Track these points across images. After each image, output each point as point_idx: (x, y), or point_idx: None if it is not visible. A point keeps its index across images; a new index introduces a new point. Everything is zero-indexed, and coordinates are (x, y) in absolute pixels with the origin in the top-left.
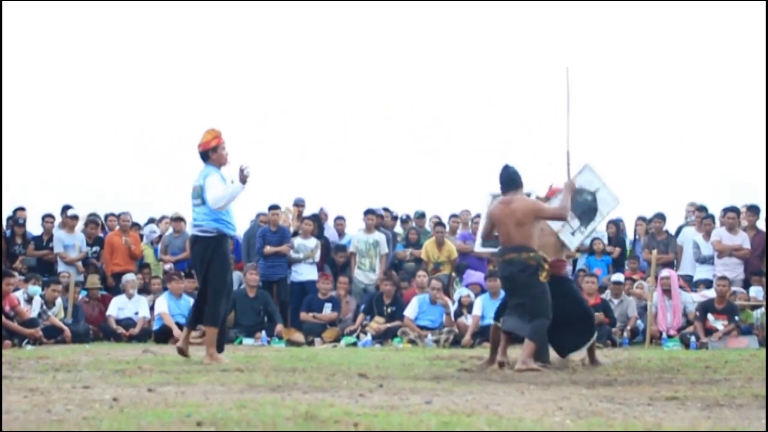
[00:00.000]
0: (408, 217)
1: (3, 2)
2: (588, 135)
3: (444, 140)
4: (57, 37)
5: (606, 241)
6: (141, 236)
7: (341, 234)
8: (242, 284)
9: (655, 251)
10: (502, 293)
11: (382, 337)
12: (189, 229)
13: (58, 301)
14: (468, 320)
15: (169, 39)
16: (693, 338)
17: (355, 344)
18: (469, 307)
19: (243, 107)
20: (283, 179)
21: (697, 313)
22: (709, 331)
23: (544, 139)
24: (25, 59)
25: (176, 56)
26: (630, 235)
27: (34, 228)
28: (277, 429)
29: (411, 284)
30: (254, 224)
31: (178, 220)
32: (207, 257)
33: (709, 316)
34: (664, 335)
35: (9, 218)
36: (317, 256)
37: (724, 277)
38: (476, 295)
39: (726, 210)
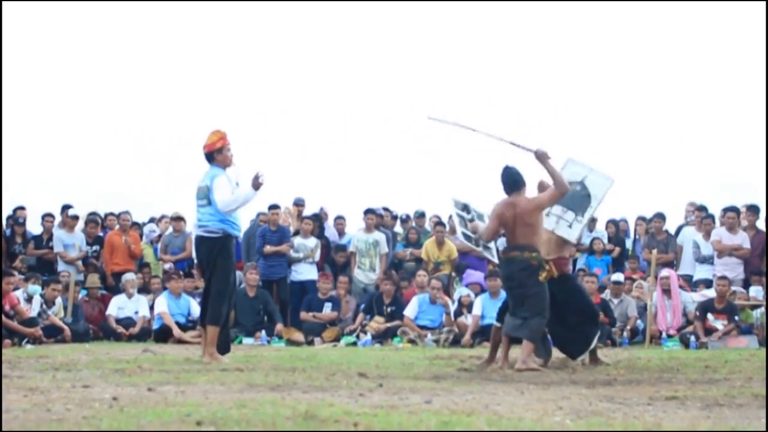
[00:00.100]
0: (408, 216)
1: (3, 2)
2: (588, 135)
3: (444, 140)
4: (57, 37)
5: (606, 241)
6: (141, 235)
7: (341, 234)
8: (242, 284)
9: (655, 251)
10: (503, 293)
11: (382, 337)
12: (189, 229)
13: (58, 300)
14: (468, 320)
15: (169, 39)
16: (693, 338)
17: (354, 344)
18: (469, 307)
19: (243, 107)
20: (283, 179)
21: (697, 313)
22: (709, 331)
23: (544, 139)
24: (25, 59)
25: (176, 56)
26: (632, 235)
27: (34, 227)
28: (277, 428)
29: (411, 284)
30: (254, 224)
31: (178, 219)
32: (212, 258)
33: (709, 316)
34: (664, 335)
35: (9, 217)
36: (317, 256)
37: (724, 277)
38: (476, 295)
39: (726, 210)
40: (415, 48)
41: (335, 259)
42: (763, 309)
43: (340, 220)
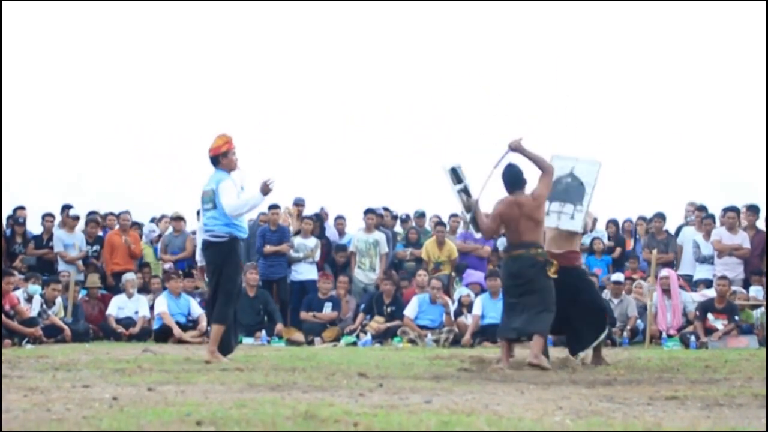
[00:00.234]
0: (408, 216)
1: (3, 2)
2: (588, 135)
3: (444, 140)
4: (57, 37)
5: (606, 241)
6: (141, 235)
7: (341, 233)
8: (242, 283)
9: (655, 251)
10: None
11: (382, 337)
12: (189, 229)
13: (58, 300)
14: (468, 320)
15: (169, 39)
16: (693, 338)
17: (354, 344)
18: (469, 307)
19: (243, 107)
20: (283, 179)
21: (697, 313)
22: (709, 331)
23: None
24: (25, 59)
25: (176, 56)
26: (636, 235)
27: (34, 227)
28: (277, 428)
29: (411, 284)
30: (254, 223)
31: (178, 219)
32: (219, 261)
33: (709, 316)
34: (664, 335)
35: (9, 217)
36: (317, 256)
37: (724, 277)
38: (476, 295)
39: (726, 210)
40: (415, 48)
41: (335, 259)
42: (763, 309)
43: (340, 220)
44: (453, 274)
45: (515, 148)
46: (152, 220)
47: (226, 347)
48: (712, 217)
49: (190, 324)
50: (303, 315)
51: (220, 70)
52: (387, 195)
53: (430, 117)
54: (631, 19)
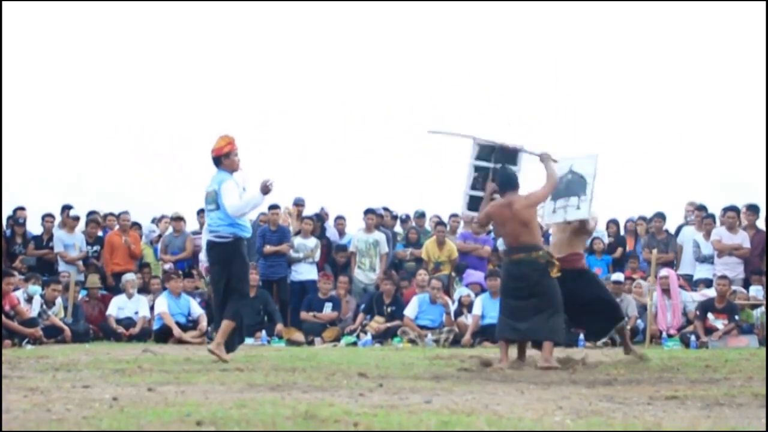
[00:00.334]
0: (408, 216)
1: (3, 2)
2: (588, 135)
3: (444, 140)
4: (57, 37)
5: (605, 240)
6: (140, 235)
7: (341, 234)
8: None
9: (655, 251)
10: None
11: (382, 337)
12: (189, 229)
13: (58, 300)
14: (468, 320)
15: (169, 39)
16: (693, 337)
17: (355, 344)
18: (469, 307)
19: (243, 107)
20: (283, 179)
21: (697, 313)
22: (709, 331)
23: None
24: (25, 59)
25: (176, 56)
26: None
27: (34, 228)
28: (277, 428)
29: (411, 284)
30: (254, 224)
31: (178, 219)
32: (227, 261)
33: (709, 316)
34: (664, 335)
35: (9, 218)
36: (317, 256)
37: (724, 277)
38: (476, 295)
39: (726, 209)
40: (415, 48)
41: (336, 260)
42: (763, 309)
43: (340, 220)
44: (453, 274)
45: (544, 158)
46: (153, 221)
47: (228, 346)
48: (712, 217)
49: (190, 324)
50: (303, 315)
51: (220, 70)
52: (387, 195)
53: (430, 117)
54: (631, 19)
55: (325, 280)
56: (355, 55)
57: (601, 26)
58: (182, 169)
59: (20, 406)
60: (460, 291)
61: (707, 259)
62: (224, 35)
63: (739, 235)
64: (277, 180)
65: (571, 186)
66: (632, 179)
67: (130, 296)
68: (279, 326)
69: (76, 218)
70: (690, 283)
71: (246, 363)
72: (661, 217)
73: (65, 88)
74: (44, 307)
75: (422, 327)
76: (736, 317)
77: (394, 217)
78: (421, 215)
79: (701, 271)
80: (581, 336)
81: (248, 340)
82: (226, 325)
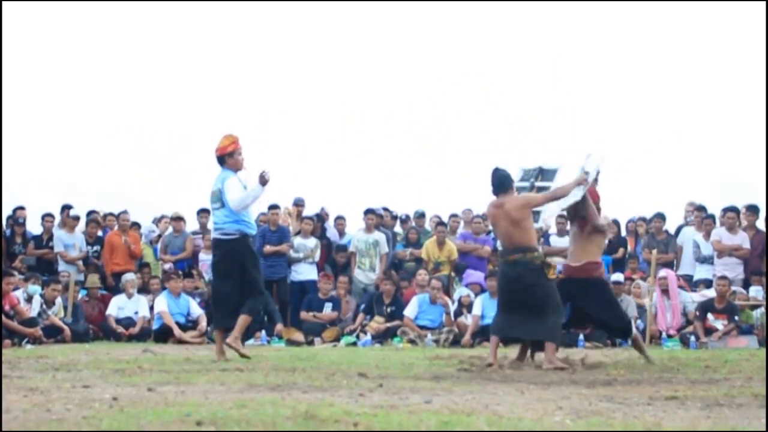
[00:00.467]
0: (408, 216)
1: (3, 2)
2: (588, 135)
3: (444, 140)
4: (57, 37)
5: (606, 241)
6: (140, 235)
7: (341, 234)
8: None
9: (655, 251)
10: None
11: (382, 337)
12: (189, 229)
13: (58, 300)
14: (468, 320)
15: (169, 39)
16: (693, 338)
17: (354, 344)
18: (469, 307)
19: (243, 107)
20: (283, 179)
21: (697, 313)
22: (709, 331)
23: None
24: (25, 59)
25: (176, 56)
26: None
27: (34, 228)
28: (277, 428)
29: (411, 284)
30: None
31: (178, 219)
32: (237, 258)
33: (709, 316)
34: (664, 335)
35: (9, 218)
36: (317, 256)
37: (724, 277)
38: (476, 295)
39: (726, 210)
40: (415, 48)
41: (336, 260)
42: (763, 309)
43: (340, 221)
44: (452, 274)
45: (577, 180)
46: (155, 221)
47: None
48: (712, 217)
49: (189, 324)
50: (303, 315)
51: (220, 70)
52: (387, 195)
53: (430, 117)
54: (631, 19)
55: (325, 280)
56: (355, 55)
57: (601, 26)
58: (182, 169)
59: (20, 406)
60: (460, 291)
61: (707, 260)
62: (224, 35)
63: (739, 235)
64: (273, 171)
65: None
66: (632, 179)
67: (129, 296)
68: (279, 326)
69: (76, 218)
70: (690, 283)
71: (246, 363)
72: (660, 217)
73: (65, 88)
74: (44, 306)
75: (422, 327)
76: (736, 318)
77: (394, 217)
78: (421, 215)
79: (701, 272)
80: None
81: (248, 341)
82: (244, 320)
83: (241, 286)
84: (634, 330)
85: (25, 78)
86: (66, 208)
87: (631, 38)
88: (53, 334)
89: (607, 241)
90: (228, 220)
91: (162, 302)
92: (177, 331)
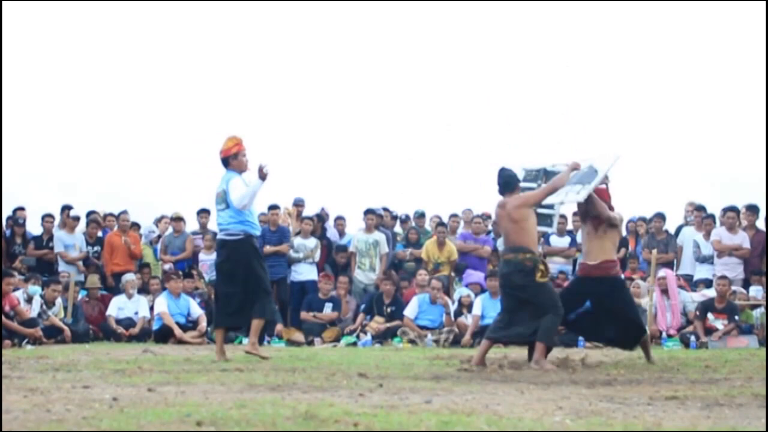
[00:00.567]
0: (408, 217)
1: (3, 2)
2: (588, 135)
3: (444, 140)
4: (57, 37)
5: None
6: (140, 236)
7: (341, 234)
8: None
9: (655, 251)
10: None
11: (382, 337)
12: (189, 230)
13: (58, 300)
14: (468, 320)
15: (169, 39)
16: (693, 338)
17: (354, 344)
18: (469, 307)
19: (243, 107)
20: (283, 179)
21: (697, 313)
22: (709, 331)
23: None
24: (25, 59)
25: (176, 57)
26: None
27: (34, 228)
28: (277, 429)
29: (411, 284)
30: None
31: (178, 220)
32: (241, 259)
33: (709, 316)
34: (664, 335)
35: (9, 218)
36: (317, 256)
37: (724, 277)
38: (476, 295)
39: (726, 210)
40: (415, 48)
41: (336, 260)
42: (763, 309)
43: (340, 221)
44: (452, 274)
45: (568, 167)
46: (155, 222)
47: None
48: (712, 217)
49: (189, 324)
50: (303, 315)
51: (220, 70)
52: (387, 195)
53: (429, 117)
54: (631, 19)
55: (326, 280)
56: (355, 55)
57: (601, 27)
58: (182, 170)
59: (20, 406)
60: (460, 291)
61: (707, 260)
62: (224, 36)
63: (739, 235)
64: (272, 164)
65: (580, 175)
66: (632, 179)
67: (129, 296)
68: (279, 326)
69: (77, 218)
70: (690, 283)
71: (246, 363)
72: (660, 217)
73: (65, 88)
74: (44, 307)
75: (422, 327)
76: (736, 317)
77: (394, 218)
78: (421, 215)
79: (701, 272)
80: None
81: (248, 341)
82: (257, 324)
83: (246, 287)
84: (647, 334)
85: (25, 78)
86: (66, 208)
87: (631, 38)
88: (53, 334)
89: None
90: (232, 221)
91: (162, 303)
92: (177, 331)
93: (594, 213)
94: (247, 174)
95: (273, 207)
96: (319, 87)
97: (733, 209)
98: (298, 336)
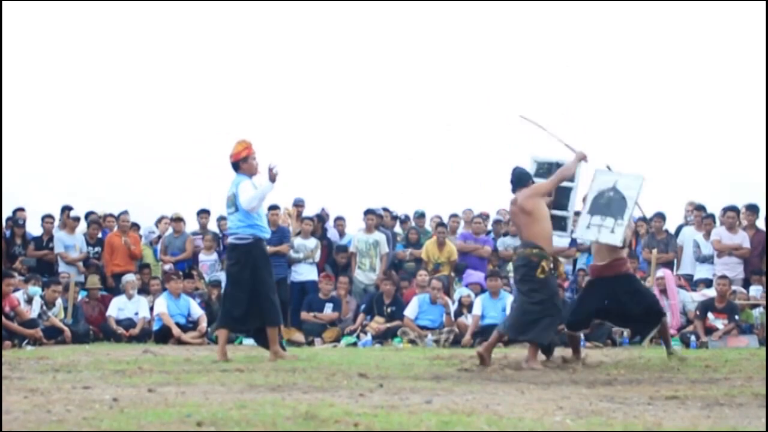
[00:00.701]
0: (408, 217)
1: (3, 2)
2: (588, 135)
3: (444, 140)
4: (57, 37)
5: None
6: (140, 236)
7: (342, 234)
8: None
9: (655, 251)
10: (503, 293)
11: (382, 337)
12: (189, 230)
13: (58, 301)
14: (468, 320)
15: (169, 40)
16: (693, 337)
17: (355, 344)
18: (469, 307)
19: (243, 107)
20: (283, 179)
21: (698, 312)
22: (709, 330)
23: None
24: (25, 59)
25: (177, 57)
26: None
27: (34, 229)
28: (277, 429)
29: (411, 284)
30: None
31: (178, 220)
32: (250, 263)
33: (710, 315)
34: None
35: (9, 219)
36: (317, 256)
37: (724, 276)
38: (476, 295)
39: (726, 209)
40: (415, 48)
41: (336, 260)
42: (763, 309)
43: (339, 221)
44: (452, 274)
45: (577, 156)
46: (156, 222)
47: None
48: (712, 217)
49: (189, 325)
50: (303, 315)
51: (219, 71)
52: (387, 195)
53: (429, 117)
54: (631, 19)
55: (326, 280)
56: (355, 56)
57: (601, 26)
58: (182, 170)
59: (20, 407)
60: (460, 291)
61: (707, 259)
62: (224, 36)
63: (739, 235)
64: (280, 164)
65: (611, 205)
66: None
67: (130, 297)
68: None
69: (77, 219)
70: (690, 283)
71: (246, 363)
72: (661, 217)
73: (65, 88)
74: (44, 308)
75: (422, 327)
76: (736, 317)
77: (394, 218)
78: (421, 215)
79: (701, 271)
80: (581, 336)
81: (248, 341)
82: (272, 332)
83: (252, 293)
84: (666, 315)
85: (26, 79)
86: (66, 209)
87: (631, 39)
88: (53, 335)
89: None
90: (242, 225)
91: (162, 303)
92: (176, 331)
93: None
94: (257, 177)
95: (273, 207)
96: (319, 87)
97: (733, 209)
98: (299, 336)
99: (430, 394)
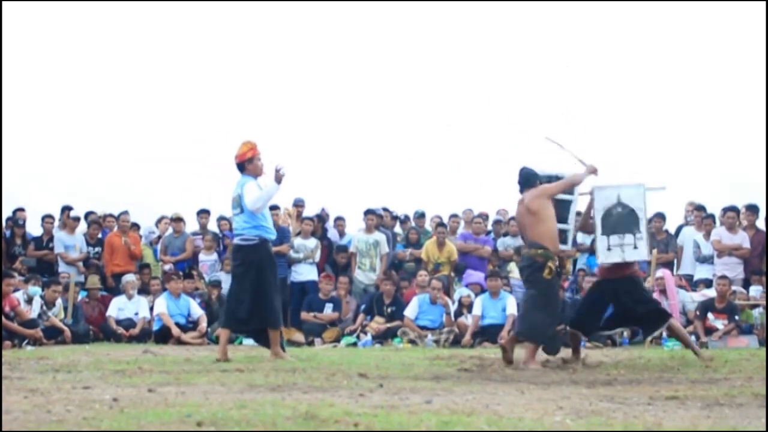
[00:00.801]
0: (408, 217)
1: (3, 2)
2: (588, 136)
3: (444, 140)
4: (57, 37)
5: None
6: (140, 236)
7: (342, 234)
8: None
9: (655, 251)
10: (503, 293)
11: (382, 337)
12: (188, 230)
13: (58, 301)
14: (468, 320)
15: (169, 40)
16: (693, 338)
17: (355, 344)
18: (469, 307)
19: (243, 108)
20: (285, 180)
21: (698, 313)
22: (709, 331)
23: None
24: (25, 59)
25: (177, 57)
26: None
27: (34, 229)
28: (277, 429)
29: (411, 284)
30: None
31: (178, 220)
32: (255, 264)
33: (710, 316)
34: (664, 334)
35: (9, 219)
36: (317, 256)
37: (724, 277)
38: (476, 295)
39: (726, 209)
40: (415, 48)
41: (336, 260)
42: (762, 309)
43: (339, 221)
44: (452, 274)
45: (587, 169)
46: (156, 222)
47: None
48: (712, 217)
49: (189, 325)
50: (304, 315)
51: (220, 71)
52: (387, 195)
53: (429, 117)
54: (631, 18)
55: (326, 281)
56: (355, 56)
57: (601, 26)
58: (182, 170)
59: (20, 407)
60: (460, 291)
61: (707, 260)
62: (224, 36)
63: (739, 235)
64: (287, 165)
65: (623, 222)
66: (632, 179)
67: (130, 297)
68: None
69: (77, 219)
70: (690, 283)
71: (246, 363)
72: (661, 217)
73: (65, 88)
74: (44, 308)
75: (422, 327)
76: (736, 317)
77: (394, 218)
78: (421, 215)
79: (701, 272)
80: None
81: (248, 341)
82: (274, 335)
83: (255, 295)
84: (672, 317)
85: (26, 79)
86: (66, 209)
87: (632, 39)
88: (53, 335)
89: None
90: (247, 226)
91: (162, 303)
92: (176, 331)
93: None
94: (262, 178)
95: (273, 208)
96: (319, 87)
97: (733, 209)
98: (299, 336)
99: (430, 394)
